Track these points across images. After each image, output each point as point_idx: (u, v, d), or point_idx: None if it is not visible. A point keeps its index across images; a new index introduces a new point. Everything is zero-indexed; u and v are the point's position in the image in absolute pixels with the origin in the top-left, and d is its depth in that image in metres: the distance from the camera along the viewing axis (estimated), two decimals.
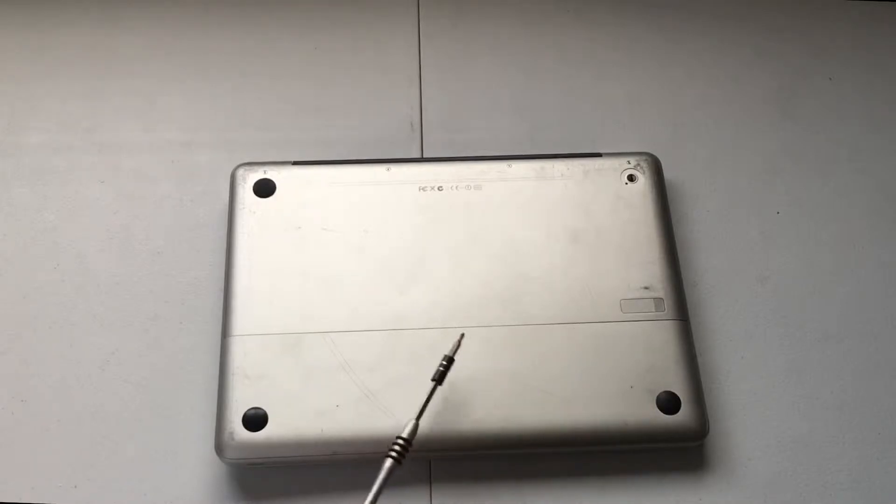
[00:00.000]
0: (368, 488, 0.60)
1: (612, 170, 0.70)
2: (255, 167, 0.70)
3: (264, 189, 0.68)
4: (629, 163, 0.70)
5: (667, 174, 0.71)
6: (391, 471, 0.51)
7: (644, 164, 0.70)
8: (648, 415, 0.61)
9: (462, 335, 0.58)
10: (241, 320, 0.63)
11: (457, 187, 0.69)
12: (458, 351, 0.58)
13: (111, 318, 0.67)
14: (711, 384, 0.65)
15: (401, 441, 0.53)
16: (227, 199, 0.69)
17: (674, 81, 0.80)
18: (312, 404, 0.60)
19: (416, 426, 0.54)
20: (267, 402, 0.60)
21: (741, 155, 0.76)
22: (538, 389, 0.61)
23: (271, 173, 0.69)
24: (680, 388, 0.61)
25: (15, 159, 0.74)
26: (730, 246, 0.72)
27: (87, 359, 0.65)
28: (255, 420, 0.59)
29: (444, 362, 0.57)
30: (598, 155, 0.71)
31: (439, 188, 0.69)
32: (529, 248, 0.67)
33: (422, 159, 0.74)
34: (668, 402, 0.61)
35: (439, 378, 0.57)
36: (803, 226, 0.73)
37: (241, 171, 0.69)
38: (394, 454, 0.52)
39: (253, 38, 0.81)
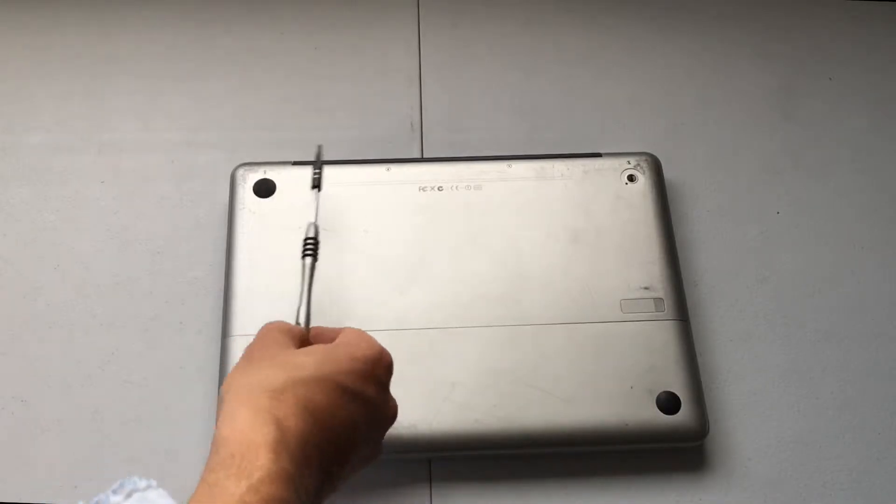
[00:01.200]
0: (367, 488, 0.61)
1: (612, 170, 0.70)
2: (255, 167, 0.69)
3: (264, 189, 0.68)
4: (629, 163, 0.70)
5: (667, 174, 0.71)
6: (312, 267, 0.57)
7: (644, 164, 0.70)
8: (648, 415, 0.61)
9: (320, 146, 0.65)
10: (241, 320, 0.63)
11: (457, 187, 0.69)
12: (321, 154, 0.65)
13: (111, 318, 0.67)
14: (711, 384, 0.65)
15: (310, 240, 0.58)
16: (227, 199, 0.69)
17: (674, 81, 0.80)
18: None
19: (316, 227, 0.59)
20: None
21: (741, 155, 0.76)
22: (538, 389, 0.61)
23: (271, 173, 0.69)
24: (680, 388, 0.61)
25: (15, 159, 0.74)
26: (730, 246, 0.72)
27: (87, 359, 0.65)
28: None
29: (317, 170, 0.64)
30: (598, 155, 0.71)
31: (439, 188, 0.69)
32: (529, 248, 0.66)
33: (422, 159, 0.74)
34: (668, 402, 0.61)
35: (317, 184, 0.63)
36: (803, 226, 0.73)
37: (241, 171, 0.69)
38: (309, 252, 0.58)
39: (253, 38, 0.81)
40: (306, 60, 0.80)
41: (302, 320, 0.55)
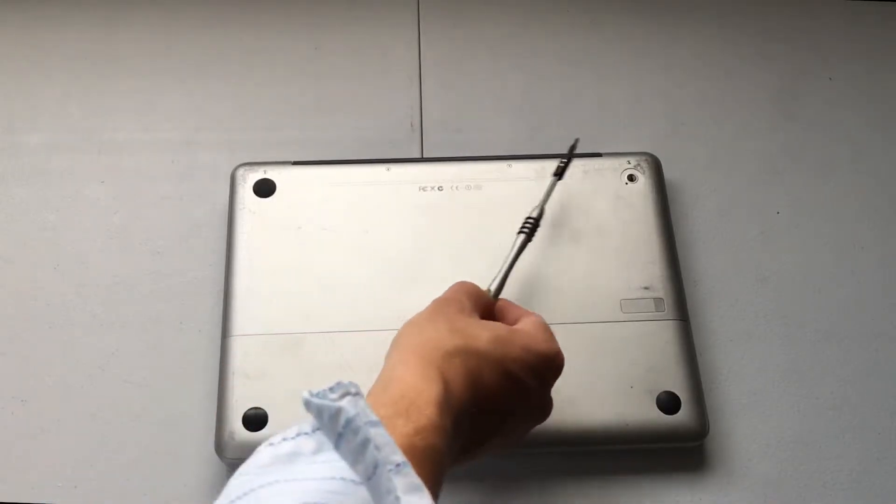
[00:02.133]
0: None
1: (612, 170, 0.70)
2: (255, 167, 0.70)
3: (264, 189, 0.68)
4: (629, 163, 0.70)
5: (667, 174, 0.71)
6: (523, 244, 0.60)
7: (644, 164, 0.70)
8: (648, 415, 0.61)
9: (577, 139, 0.66)
10: (241, 320, 0.63)
11: (457, 187, 0.69)
12: (576, 147, 0.66)
13: (111, 318, 0.67)
14: (711, 384, 0.65)
15: (530, 219, 0.61)
16: (227, 199, 0.69)
17: (674, 81, 0.80)
18: None
19: (542, 210, 0.62)
20: (267, 402, 0.60)
21: (741, 155, 0.76)
22: None
23: (271, 173, 0.69)
24: (680, 388, 0.61)
25: (15, 159, 0.74)
26: (730, 246, 0.72)
27: (87, 359, 0.65)
28: (255, 420, 0.59)
29: (564, 160, 0.65)
30: (598, 155, 0.71)
31: (439, 188, 0.69)
32: (529, 248, 0.66)
33: (422, 159, 0.74)
34: (668, 402, 0.61)
35: (560, 173, 0.65)
36: (803, 226, 0.73)
37: (241, 171, 0.69)
38: (525, 230, 0.60)
39: (253, 38, 0.81)
40: (306, 60, 0.80)
41: (494, 287, 0.57)
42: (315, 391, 0.40)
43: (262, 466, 0.39)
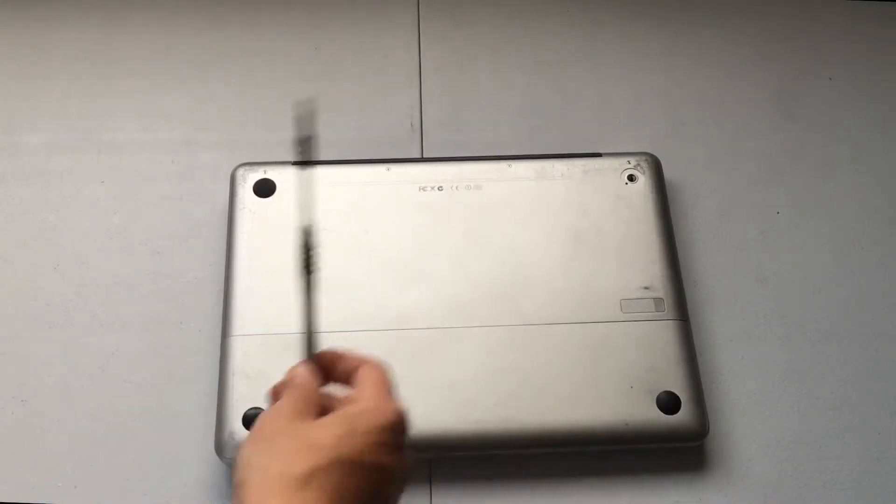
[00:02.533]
0: None
1: (612, 170, 0.70)
2: (255, 167, 0.69)
3: (264, 189, 0.68)
4: (629, 163, 0.70)
5: (667, 174, 0.71)
6: (310, 281, 0.53)
7: (644, 164, 0.70)
8: (648, 415, 0.61)
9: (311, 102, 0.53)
10: (241, 320, 0.63)
11: (457, 187, 0.69)
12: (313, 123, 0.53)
13: (111, 318, 0.67)
14: (711, 384, 0.65)
15: (309, 251, 0.54)
16: (227, 199, 0.69)
17: (674, 81, 0.80)
18: None
19: (310, 226, 0.53)
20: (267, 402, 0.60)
21: (741, 155, 0.76)
22: (538, 389, 0.61)
23: (271, 173, 0.69)
24: (680, 388, 0.61)
25: (15, 159, 0.74)
26: (730, 246, 0.72)
27: (87, 359, 0.65)
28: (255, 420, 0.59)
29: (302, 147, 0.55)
30: (598, 155, 0.71)
31: (439, 188, 0.69)
32: (529, 248, 0.66)
33: (422, 159, 0.74)
34: (668, 402, 0.61)
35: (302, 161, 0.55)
36: (803, 226, 0.73)
37: (241, 171, 0.69)
38: (309, 266, 0.53)
39: (253, 38, 0.81)
40: (306, 60, 0.80)
41: (305, 351, 0.53)
42: None
43: None
